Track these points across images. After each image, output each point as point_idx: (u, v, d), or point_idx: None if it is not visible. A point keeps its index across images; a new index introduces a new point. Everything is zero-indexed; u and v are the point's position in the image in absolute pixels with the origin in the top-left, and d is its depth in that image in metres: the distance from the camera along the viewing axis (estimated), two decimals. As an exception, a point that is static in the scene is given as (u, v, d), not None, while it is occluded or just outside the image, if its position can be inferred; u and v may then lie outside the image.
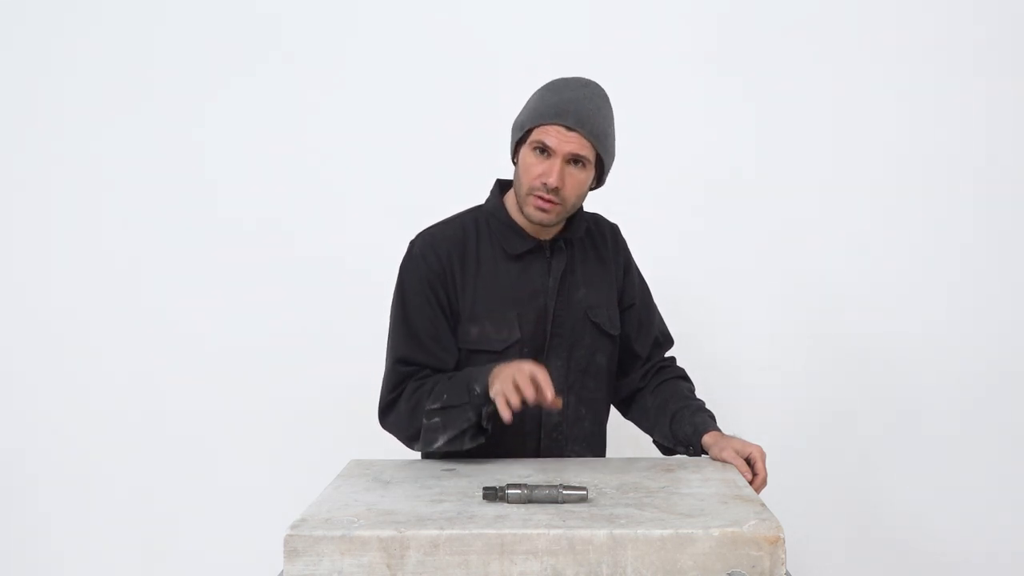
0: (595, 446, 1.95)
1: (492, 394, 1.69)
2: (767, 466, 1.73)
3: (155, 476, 2.75)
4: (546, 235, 1.89)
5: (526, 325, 1.85)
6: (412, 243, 1.90)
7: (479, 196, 1.97)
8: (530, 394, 1.63)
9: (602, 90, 1.83)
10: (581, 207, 1.92)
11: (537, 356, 1.84)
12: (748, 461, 1.73)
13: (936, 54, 2.67)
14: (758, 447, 1.74)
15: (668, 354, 2.07)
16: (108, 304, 2.75)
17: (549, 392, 1.64)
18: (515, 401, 1.64)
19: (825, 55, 2.68)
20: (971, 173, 2.69)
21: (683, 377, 2.01)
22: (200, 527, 2.74)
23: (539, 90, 1.85)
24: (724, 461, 1.74)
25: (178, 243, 2.74)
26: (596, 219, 2.01)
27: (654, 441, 1.97)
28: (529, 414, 1.80)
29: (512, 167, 1.89)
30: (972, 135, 2.67)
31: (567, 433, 1.89)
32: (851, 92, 2.68)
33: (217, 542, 2.73)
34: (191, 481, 2.74)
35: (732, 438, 1.78)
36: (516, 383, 1.64)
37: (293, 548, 1.31)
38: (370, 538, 1.31)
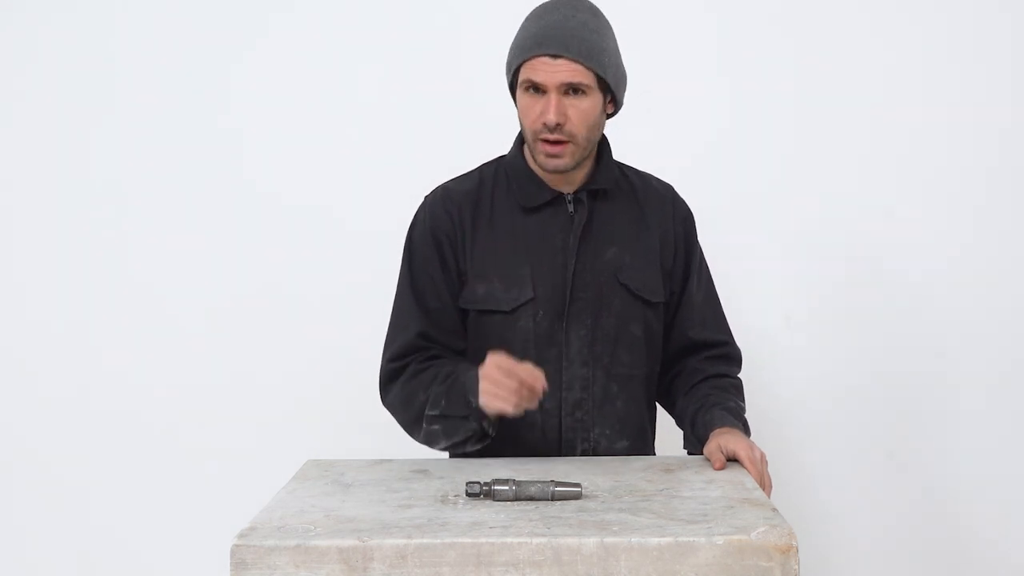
0: (631, 430, 1.77)
1: (484, 407, 1.60)
2: (770, 471, 1.58)
3: (89, 477, 2.61)
4: (569, 187, 1.76)
5: (541, 285, 1.72)
6: (424, 199, 1.81)
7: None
8: (519, 400, 1.56)
9: (587, 3, 1.70)
10: (609, 154, 1.80)
11: (556, 321, 1.73)
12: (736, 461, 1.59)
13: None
14: (746, 446, 1.58)
15: (723, 353, 1.87)
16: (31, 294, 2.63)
17: (539, 383, 1.56)
18: (514, 400, 1.56)
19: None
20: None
21: (719, 375, 1.83)
22: (138, 535, 2.61)
23: (523, 21, 1.72)
24: (709, 459, 1.61)
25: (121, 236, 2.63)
26: (647, 179, 1.87)
27: (688, 452, 1.80)
28: (545, 395, 1.68)
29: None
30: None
31: (593, 413, 1.74)
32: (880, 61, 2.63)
33: (157, 552, 2.61)
34: (128, 483, 2.61)
35: (728, 434, 1.62)
36: (502, 390, 1.56)
37: (241, 559, 1.21)
38: (328, 548, 1.21)
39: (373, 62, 2.60)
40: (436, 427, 1.66)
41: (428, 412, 1.66)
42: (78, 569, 2.62)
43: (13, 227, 2.63)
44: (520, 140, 1.80)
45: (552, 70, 1.63)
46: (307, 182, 2.60)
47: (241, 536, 1.23)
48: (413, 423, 1.71)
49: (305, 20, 2.61)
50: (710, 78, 2.61)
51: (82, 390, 2.61)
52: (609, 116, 1.76)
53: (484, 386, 1.58)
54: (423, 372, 1.71)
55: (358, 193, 2.58)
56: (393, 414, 1.76)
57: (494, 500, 1.38)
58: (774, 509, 1.34)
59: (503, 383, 1.55)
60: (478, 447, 1.68)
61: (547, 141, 1.66)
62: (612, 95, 1.72)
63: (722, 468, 1.57)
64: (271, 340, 2.60)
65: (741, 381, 1.85)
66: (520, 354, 1.69)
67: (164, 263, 2.61)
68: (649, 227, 1.80)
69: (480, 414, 1.62)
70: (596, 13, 1.69)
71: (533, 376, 1.56)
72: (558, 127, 1.64)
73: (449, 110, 2.55)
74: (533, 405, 1.59)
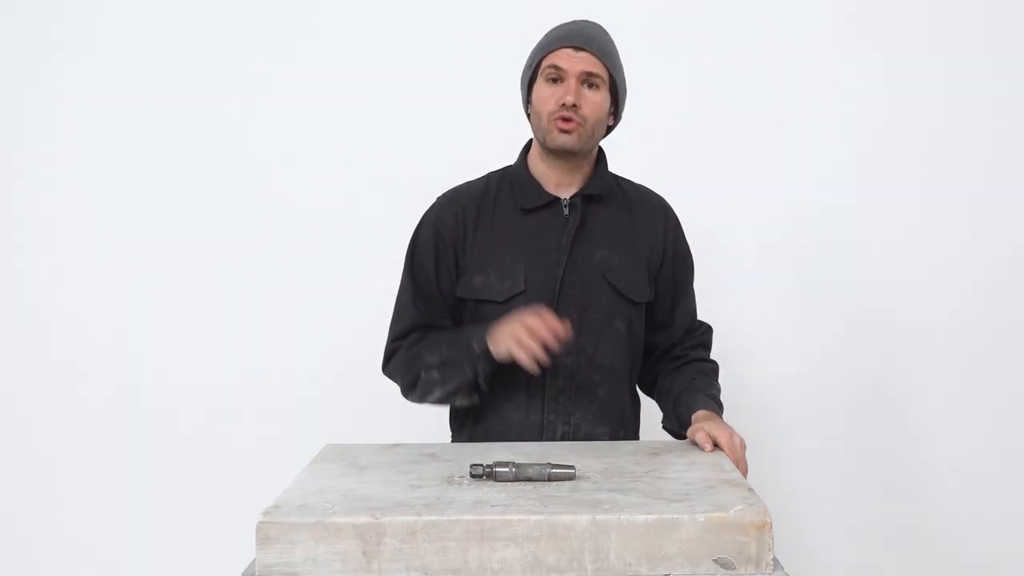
0: (611, 418, 1.87)
1: (502, 352, 1.69)
2: (748, 456, 1.66)
3: (120, 460, 2.70)
4: (565, 192, 1.87)
5: (533, 279, 1.83)
6: (436, 199, 1.93)
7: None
8: (545, 336, 1.65)
9: (601, 25, 1.87)
10: (605, 165, 1.90)
11: None
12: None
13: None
14: (727, 433, 1.66)
15: (701, 340, 2.00)
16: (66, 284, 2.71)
17: (561, 329, 1.67)
18: (535, 351, 1.66)
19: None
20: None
21: (701, 360, 1.95)
22: (169, 513, 2.69)
23: (543, 35, 1.87)
24: (694, 443, 1.69)
25: (153, 226, 2.71)
26: (641, 190, 1.97)
27: (664, 427, 1.91)
28: (532, 379, 1.79)
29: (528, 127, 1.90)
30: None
31: (575, 399, 1.84)
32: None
33: (187, 528, 2.69)
34: (158, 464, 2.70)
35: (712, 420, 1.71)
36: (527, 334, 1.65)
37: (266, 535, 1.28)
38: (345, 524, 1.28)
39: (389, 79, 2.65)
40: (434, 374, 1.77)
41: (428, 360, 1.78)
42: (107, 545, 2.68)
43: (41, 235, 2.69)
44: (525, 150, 1.91)
45: (574, 59, 1.78)
46: (330, 192, 2.67)
47: (266, 513, 1.30)
48: (414, 382, 1.82)
49: (321, 35, 2.67)
50: (698, 78, 2.64)
51: (133, 391, 2.70)
52: (609, 129, 1.87)
53: (507, 328, 1.68)
54: (426, 336, 1.83)
55: (371, 201, 2.65)
56: (395, 379, 1.87)
57: (496, 481, 1.45)
58: (750, 489, 1.40)
59: (532, 336, 1.66)
60: (467, 402, 1.79)
61: (561, 118, 1.78)
62: (615, 105, 1.84)
63: (712, 451, 1.65)
64: (296, 343, 2.68)
65: (717, 364, 1.97)
66: None
67: (200, 279, 2.68)
68: (639, 234, 1.90)
69: (476, 361, 1.72)
70: (609, 34, 1.85)
71: (556, 329, 1.67)
72: (574, 107, 1.77)
73: (459, 125, 2.61)
74: (546, 361, 1.69)
